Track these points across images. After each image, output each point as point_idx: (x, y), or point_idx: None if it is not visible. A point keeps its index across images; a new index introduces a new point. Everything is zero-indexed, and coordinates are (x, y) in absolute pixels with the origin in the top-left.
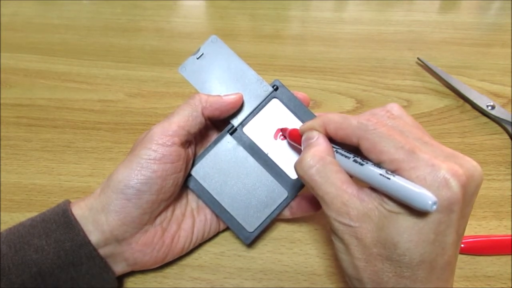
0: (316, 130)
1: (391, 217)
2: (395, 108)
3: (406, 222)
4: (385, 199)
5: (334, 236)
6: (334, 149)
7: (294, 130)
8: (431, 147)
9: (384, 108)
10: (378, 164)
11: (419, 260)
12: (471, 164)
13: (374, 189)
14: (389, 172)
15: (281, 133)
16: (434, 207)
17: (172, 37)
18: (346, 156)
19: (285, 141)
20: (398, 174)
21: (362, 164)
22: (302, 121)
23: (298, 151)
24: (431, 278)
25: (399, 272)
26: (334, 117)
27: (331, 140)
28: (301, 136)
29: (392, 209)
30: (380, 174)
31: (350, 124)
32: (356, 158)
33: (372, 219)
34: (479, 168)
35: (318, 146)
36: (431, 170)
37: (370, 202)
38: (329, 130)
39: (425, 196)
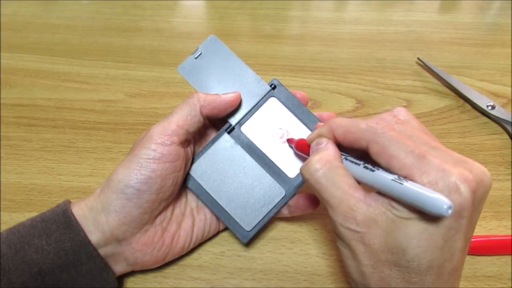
0: (325, 136)
1: (400, 222)
2: (402, 112)
3: (415, 227)
4: (394, 204)
5: (340, 242)
6: (344, 157)
7: (301, 140)
8: (440, 152)
9: (391, 113)
10: (388, 169)
11: (427, 266)
12: (480, 170)
13: (381, 193)
14: (401, 178)
15: (281, 135)
16: (450, 211)
17: (172, 37)
18: (356, 163)
19: (282, 140)
20: (409, 179)
21: (373, 170)
22: (301, 120)
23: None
24: (438, 284)
25: (407, 278)
26: (342, 121)
27: (340, 147)
28: (308, 146)
29: (401, 215)
30: (392, 180)
31: (359, 128)
32: (366, 164)
33: (379, 225)
34: (488, 173)
35: (326, 151)
36: (442, 175)
37: (377, 207)
38: (338, 135)
39: (440, 201)
